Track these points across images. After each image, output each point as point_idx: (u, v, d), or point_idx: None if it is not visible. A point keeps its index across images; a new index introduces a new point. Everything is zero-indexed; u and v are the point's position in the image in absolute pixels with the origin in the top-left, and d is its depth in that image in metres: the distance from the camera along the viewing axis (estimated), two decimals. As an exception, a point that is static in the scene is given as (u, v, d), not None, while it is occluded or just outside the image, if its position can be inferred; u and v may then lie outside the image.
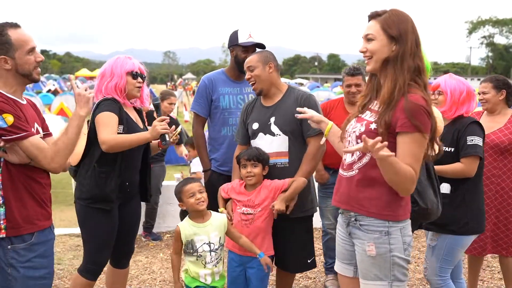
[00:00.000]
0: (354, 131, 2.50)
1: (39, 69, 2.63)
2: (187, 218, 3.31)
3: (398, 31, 2.37)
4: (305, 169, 3.43)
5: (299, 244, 3.54)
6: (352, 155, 2.50)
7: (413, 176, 2.31)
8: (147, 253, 5.60)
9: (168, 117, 3.37)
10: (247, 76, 3.56)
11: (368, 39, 2.44)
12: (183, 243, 3.25)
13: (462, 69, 78.37)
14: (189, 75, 60.20)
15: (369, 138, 2.21)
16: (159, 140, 3.38)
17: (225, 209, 3.50)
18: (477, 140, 3.34)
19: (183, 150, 7.12)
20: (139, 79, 3.37)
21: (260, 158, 3.40)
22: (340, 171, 2.60)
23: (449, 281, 3.41)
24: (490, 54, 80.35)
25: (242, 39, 4.03)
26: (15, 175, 2.51)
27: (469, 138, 3.33)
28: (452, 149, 3.37)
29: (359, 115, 2.55)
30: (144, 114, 3.66)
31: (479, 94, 4.09)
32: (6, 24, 2.51)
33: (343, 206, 2.55)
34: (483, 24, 79.43)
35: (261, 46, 4.05)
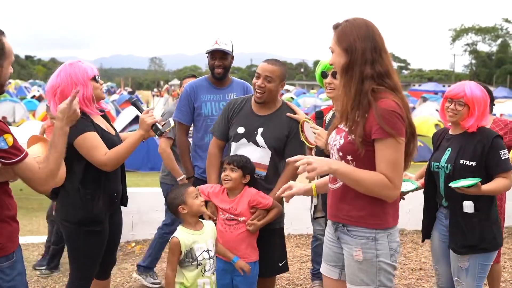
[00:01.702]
0: (335, 144, 2.52)
1: (7, 81, 2.51)
2: (180, 227, 3.22)
3: (348, 42, 2.38)
4: (278, 187, 3.42)
5: (271, 249, 3.53)
6: None
7: (384, 182, 2.31)
8: (132, 260, 5.54)
9: (153, 108, 3.29)
10: (260, 83, 3.44)
11: (331, 51, 2.49)
12: (182, 255, 3.15)
13: (446, 76, 79.16)
14: (175, 81, 59.94)
15: (344, 151, 2.40)
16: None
17: (207, 211, 3.46)
18: (507, 153, 3.23)
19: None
20: (101, 81, 3.21)
21: (241, 164, 3.38)
22: (329, 184, 2.62)
23: None
24: (473, 61, 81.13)
25: (208, 46, 4.09)
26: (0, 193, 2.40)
27: (501, 152, 3.18)
28: (474, 163, 3.17)
29: (339, 126, 2.56)
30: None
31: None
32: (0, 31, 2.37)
33: (333, 219, 2.57)
34: (466, 32, 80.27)
35: (227, 52, 4.08)
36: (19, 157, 2.31)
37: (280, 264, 3.66)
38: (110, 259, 3.46)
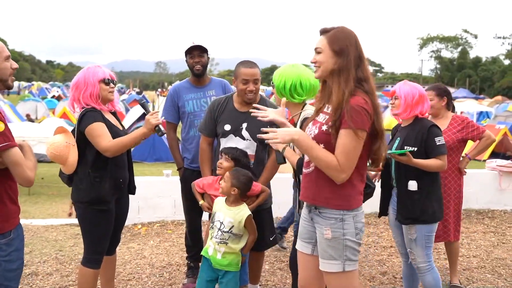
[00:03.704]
0: (310, 134, 2.53)
1: (13, 77, 2.51)
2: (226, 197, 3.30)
3: (341, 47, 2.39)
4: (266, 176, 3.48)
5: (262, 227, 3.52)
6: None
7: (333, 163, 2.34)
8: (139, 240, 5.52)
9: (158, 111, 3.26)
10: (251, 87, 3.40)
11: (317, 52, 2.47)
12: (213, 213, 3.31)
13: (415, 79, 78.99)
14: (178, 83, 59.59)
15: (317, 139, 2.41)
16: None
17: (204, 201, 3.47)
18: (443, 140, 3.38)
19: None
20: (111, 85, 3.26)
21: (234, 157, 3.36)
22: (303, 168, 2.63)
23: (433, 264, 3.43)
24: (438, 66, 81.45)
25: (187, 47, 4.10)
26: None
27: (437, 139, 3.34)
28: (415, 149, 3.34)
29: (315, 118, 2.57)
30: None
31: None
32: None
33: (307, 200, 2.59)
34: (432, 40, 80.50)
35: (204, 48, 4.07)
36: (7, 143, 2.26)
37: (271, 239, 3.68)
38: (116, 237, 3.50)
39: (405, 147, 3.38)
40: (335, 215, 2.46)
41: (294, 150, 2.94)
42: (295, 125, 3.05)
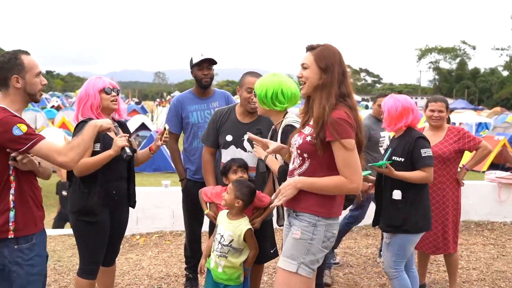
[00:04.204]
0: (295, 144, 2.62)
1: (42, 92, 2.69)
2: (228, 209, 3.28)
3: (326, 64, 2.50)
4: (269, 189, 3.46)
5: (263, 239, 3.51)
6: (293, 162, 2.64)
7: (341, 180, 2.45)
8: (137, 251, 5.50)
9: (128, 134, 3.20)
10: (248, 96, 3.42)
11: (304, 67, 2.58)
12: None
13: (413, 89, 79.45)
14: (177, 93, 59.78)
15: (301, 149, 2.54)
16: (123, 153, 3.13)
17: (209, 211, 3.45)
18: (429, 152, 3.42)
19: None
20: (113, 93, 3.26)
21: (247, 168, 3.40)
22: (288, 177, 2.70)
23: (402, 273, 3.45)
24: (436, 77, 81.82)
25: (196, 59, 4.07)
26: (23, 181, 2.56)
27: (422, 150, 3.38)
28: (403, 159, 3.42)
29: (301, 130, 2.66)
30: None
31: (432, 111, 4.12)
32: (19, 51, 2.62)
33: (289, 206, 2.66)
34: (430, 51, 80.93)
35: (213, 61, 4.07)
36: (34, 140, 2.45)
37: (272, 251, 3.65)
38: (113, 249, 3.46)
39: (393, 158, 3.45)
40: (310, 219, 2.54)
41: (276, 158, 3.01)
42: (276, 133, 3.11)
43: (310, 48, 2.58)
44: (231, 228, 3.20)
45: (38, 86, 2.64)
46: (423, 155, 3.37)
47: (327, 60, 2.51)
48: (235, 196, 3.19)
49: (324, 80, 2.50)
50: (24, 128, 2.44)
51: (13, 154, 2.51)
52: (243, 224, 3.23)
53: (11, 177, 2.54)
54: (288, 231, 2.70)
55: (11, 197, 2.53)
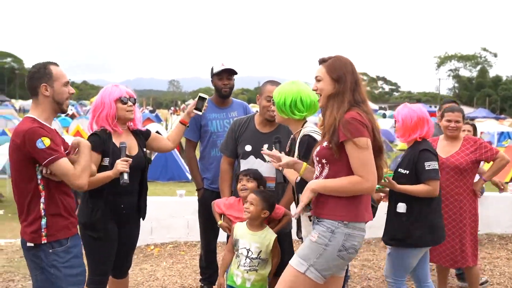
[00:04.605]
0: (314, 152, 2.70)
1: (68, 101, 2.82)
2: (247, 221, 3.26)
3: (338, 74, 2.61)
4: (287, 198, 3.45)
5: (281, 250, 3.46)
6: (316, 171, 2.72)
7: (354, 179, 2.50)
8: (151, 262, 5.52)
9: (131, 159, 3.13)
10: (268, 105, 3.43)
11: (317, 80, 2.69)
12: (233, 240, 3.24)
13: (432, 98, 78.87)
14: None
15: (319, 156, 2.61)
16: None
17: (222, 221, 3.44)
18: (435, 165, 3.37)
19: None
20: (129, 103, 3.26)
21: (256, 176, 3.37)
22: None
23: (402, 285, 3.43)
24: (456, 85, 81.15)
25: (216, 68, 4.11)
26: (54, 190, 2.69)
27: (426, 163, 3.34)
28: (407, 172, 3.38)
29: (323, 142, 2.70)
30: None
31: (449, 121, 4.08)
32: (48, 62, 2.79)
33: (312, 212, 2.72)
34: (450, 59, 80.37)
35: (233, 71, 4.10)
36: (54, 156, 2.58)
37: None
38: (125, 262, 3.47)
39: (399, 170, 3.44)
40: (329, 225, 2.56)
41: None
42: (295, 142, 3.12)
43: (322, 61, 2.69)
44: (257, 239, 3.19)
45: (66, 95, 2.78)
46: (426, 168, 3.33)
47: (338, 71, 2.61)
48: (262, 207, 3.18)
49: (337, 89, 2.60)
50: (47, 142, 2.58)
51: (40, 168, 2.64)
52: (269, 233, 3.23)
53: (40, 186, 2.66)
54: None
55: (41, 205, 2.66)
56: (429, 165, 3.34)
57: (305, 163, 2.83)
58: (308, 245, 2.60)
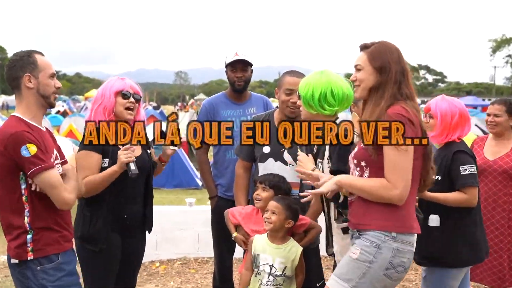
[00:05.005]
0: (351, 154, 2.71)
1: (56, 96, 2.82)
2: (267, 233, 3.26)
3: (381, 63, 2.60)
4: (315, 208, 3.44)
5: (307, 269, 3.46)
6: (352, 174, 2.71)
7: (382, 183, 2.49)
8: (157, 281, 5.57)
9: (133, 145, 3.12)
10: (295, 99, 3.37)
11: (357, 68, 2.68)
12: (252, 255, 3.24)
13: (486, 89, 77.78)
14: (201, 96, 60.54)
15: (357, 157, 2.62)
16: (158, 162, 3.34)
17: (238, 234, 3.43)
18: (472, 169, 3.29)
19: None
20: (131, 99, 3.26)
21: (272, 184, 3.33)
22: (348, 197, 2.75)
23: None
24: (515, 73, 79.94)
25: (229, 59, 4.13)
26: (43, 202, 2.67)
27: (462, 167, 3.27)
28: (439, 177, 3.29)
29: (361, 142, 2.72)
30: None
31: (488, 115, 4.09)
32: (32, 50, 2.78)
33: (352, 226, 2.71)
34: (508, 42, 79.12)
35: (248, 62, 4.12)
36: (39, 166, 2.56)
37: (318, 285, 3.59)
38: (128, 282, 3.48)
39: None
40: (374, 239, 2.53)
41: (323, 171, 3.00)
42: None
43: (364, 47, 2.69)
44: (281, 254, 3.20)
45: (52, 89, 2.76)
46: (462, 173, 3.26)
47: (382, 59, 2.60)
48: (286, 216, 3.18)
49: (380, 80, 2.60)
50: (33, 149, 2.56)
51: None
52: (295, 246, 3.24)
53: (23, 198, 2.65)
54: None
55: (26, 219, 2.65)
56: (466, 169, 3.27)
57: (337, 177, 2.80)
58: (348, 263, 2.57)
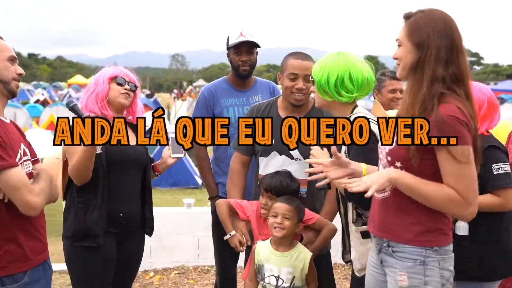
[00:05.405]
0: (384, 148, 2.56)
1: (18, 83, 2.77)
2: (270, 239, 3.26)
3: (420, 37, 2.45)
4: (328, 209, 3.44)
5: (321, 279, 3.47)
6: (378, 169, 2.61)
7: (456, 198, 2.34)
8: (151, 293, 5.60)
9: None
10: (301, 85, 3.42)
11: (398, 44, 2.57)
12: (256, 266, 3.24)
13: (528, 73, 77.36)
14: (201, 82, 60.52)
15: (393, 155, 2.47)
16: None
17: (237, 233, 3.42)
18: (506, 167, 3.26)
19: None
20: (126, 86, 3.36)
21: (281, 193, 3.30)
22: (375, 193, 2.59)
23: None
24: None
25: (232, 39, 4.12)
26: (8, 208, 2.58)
27: (495, 166, 3.23)
28: None
29: None
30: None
31: None
32: None
33: (377, 232, 2.60)
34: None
35: (254, 44, 4.12)
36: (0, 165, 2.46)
37: None
38: None
39: None
40: (414, 255, 2.44)
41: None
42: None
43: (406, 17, 2.55)
44: (287, 263, 3.20)
45: (12, 74, 2.70)
46: (495, 172, 3.22)
47: (421, 32, 2.45)
48: (297, 219, 3.19)
49: (417, 58, 2.46)
50: None
51: None
52: (304, 251, 3.23)
53: None
54: (380, 275, 2.62)
55: None
56: (499, 168, 3.23)
57: (364, 165, 2.72)
58: None
